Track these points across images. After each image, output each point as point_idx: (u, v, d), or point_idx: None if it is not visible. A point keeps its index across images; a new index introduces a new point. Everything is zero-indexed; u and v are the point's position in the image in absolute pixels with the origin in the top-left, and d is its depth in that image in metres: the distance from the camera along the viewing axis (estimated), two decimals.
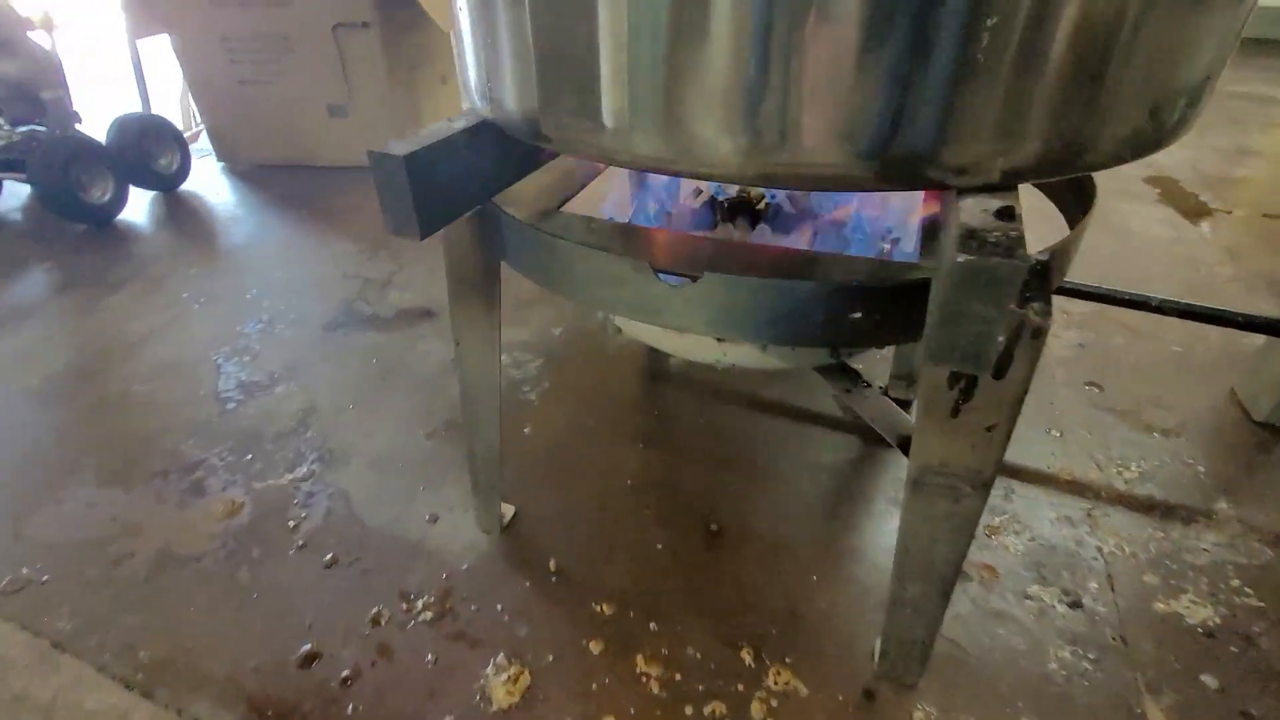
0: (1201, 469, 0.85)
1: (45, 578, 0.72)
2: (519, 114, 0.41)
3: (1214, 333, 1.07)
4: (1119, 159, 0.37)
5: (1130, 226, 1.49)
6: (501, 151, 0.49)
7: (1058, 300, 0.99)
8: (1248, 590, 0.69)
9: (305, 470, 0.85)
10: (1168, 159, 1.91)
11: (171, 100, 2.20)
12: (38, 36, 1.52)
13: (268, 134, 1.87)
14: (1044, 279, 0.37)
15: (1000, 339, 0.29)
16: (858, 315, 0.40)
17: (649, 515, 0.78)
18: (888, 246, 0.60)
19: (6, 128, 1.49)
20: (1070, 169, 0.35)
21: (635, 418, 0.94)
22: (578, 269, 0.44)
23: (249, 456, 0.87)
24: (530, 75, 0.38)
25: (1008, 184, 0.34)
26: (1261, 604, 0.68)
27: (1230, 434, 0.90)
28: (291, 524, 0.78)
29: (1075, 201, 0.55)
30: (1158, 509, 0.79)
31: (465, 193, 0.47)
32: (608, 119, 0.36)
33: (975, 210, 0.31)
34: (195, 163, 1.84)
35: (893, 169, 0.32)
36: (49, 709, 0.60)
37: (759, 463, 0.85)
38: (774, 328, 0.40)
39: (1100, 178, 0.54)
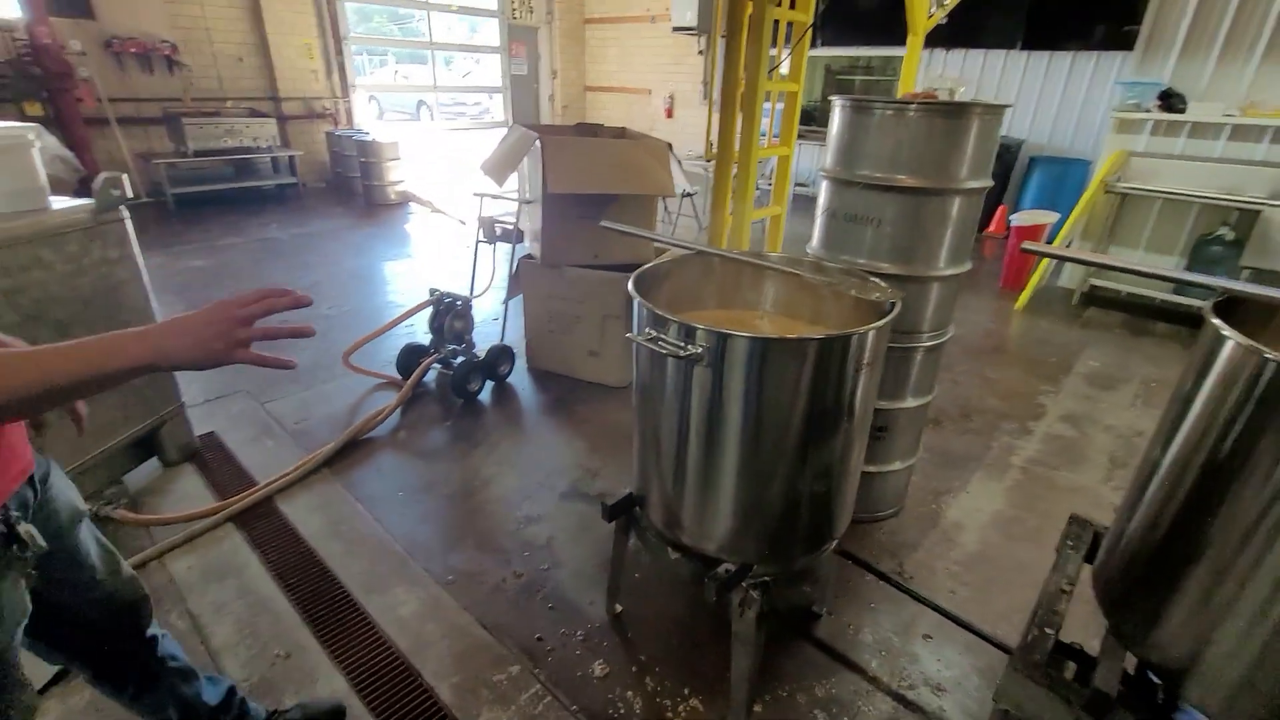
0: None
1: (452, 579, 1.98)
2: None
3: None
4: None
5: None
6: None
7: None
8: None
9: (547, 566, 2.04)
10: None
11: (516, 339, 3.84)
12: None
13: (556, 356, 3.34)
14: None
15: None
16: None
17: None
18: None
19: (449, 347, 3.12)
20: None
21: None
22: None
23: (526, 554, 2.09)
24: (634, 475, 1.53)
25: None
26: None
27: None
28: (538, 592, 1.95)
29: None
30: None
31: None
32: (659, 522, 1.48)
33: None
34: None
35: None
36: (442, 635, 1.80)
37: None
38: None
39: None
